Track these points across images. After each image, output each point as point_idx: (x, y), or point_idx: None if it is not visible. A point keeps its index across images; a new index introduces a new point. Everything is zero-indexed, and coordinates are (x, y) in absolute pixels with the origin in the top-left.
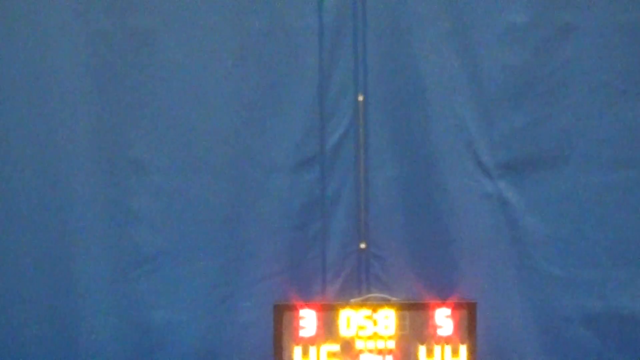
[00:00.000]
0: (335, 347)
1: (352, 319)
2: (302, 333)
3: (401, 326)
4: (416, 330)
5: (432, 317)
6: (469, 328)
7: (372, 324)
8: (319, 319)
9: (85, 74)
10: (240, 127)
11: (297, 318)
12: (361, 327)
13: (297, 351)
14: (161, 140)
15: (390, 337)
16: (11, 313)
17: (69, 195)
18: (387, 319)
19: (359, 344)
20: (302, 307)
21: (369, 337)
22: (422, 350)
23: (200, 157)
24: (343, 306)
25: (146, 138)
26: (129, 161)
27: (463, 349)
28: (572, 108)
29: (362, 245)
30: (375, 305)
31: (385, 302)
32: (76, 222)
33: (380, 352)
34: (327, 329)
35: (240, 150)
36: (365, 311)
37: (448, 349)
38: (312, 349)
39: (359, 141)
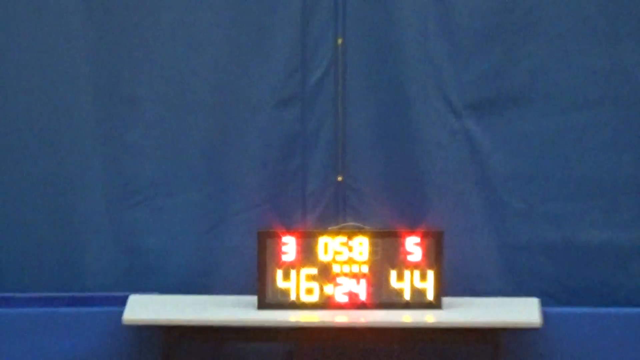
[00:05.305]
0: (314, 271)
1: (329, 245)
2: (284, 258)
3: (374, 252)
4: (388, 256)
5: (403, 244)
6: (436, 255)
7: (347, 250)
8: (299, 245)
9: (85, 17)
10: (226, 66)
11: (279, 244)
12: (337, 253)
13: (279, 274)
14: (154, 78)
15: (364, 262)
16: (17, 241)
17: (68, 128)
18: (361, 246)
19: (335, 268)
20: (283, 234)
21: (345, 262)
22: (393, 274)
23: (189, 94)
24: (321, 233)
25: (140, 76)
26: (123, 97)
27: (430, 274)
28: (536, 53)
29: (340, 178)
30: (351, 232)
31: (360, 230)
32: (75, 154)
33: (354, 275)
34: (307, 254)
35: (226, 89)
36: (342, 238)
37: (417, 273)
38: (293, 272)
39: (338, 82)
